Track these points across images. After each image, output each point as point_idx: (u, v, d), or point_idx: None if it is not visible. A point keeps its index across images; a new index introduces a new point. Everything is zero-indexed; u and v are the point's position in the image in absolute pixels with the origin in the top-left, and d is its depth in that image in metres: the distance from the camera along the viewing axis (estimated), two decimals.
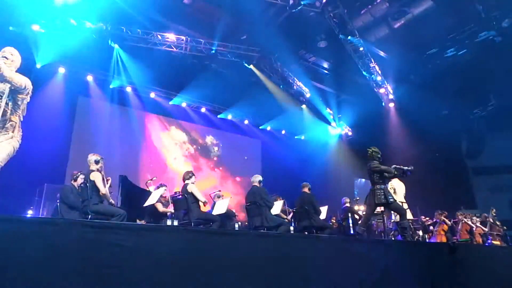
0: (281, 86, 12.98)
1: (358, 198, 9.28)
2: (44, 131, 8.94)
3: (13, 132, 3.19)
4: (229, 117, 13.82)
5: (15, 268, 2.01)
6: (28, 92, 3.30)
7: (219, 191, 7.85)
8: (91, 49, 9.84)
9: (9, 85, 3.12)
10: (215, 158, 13.52)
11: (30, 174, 8.08)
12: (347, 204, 8.66)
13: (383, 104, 14.02)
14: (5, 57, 3.18)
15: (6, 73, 3.08)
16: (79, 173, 5.82)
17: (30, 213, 7.92)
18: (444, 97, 12.99)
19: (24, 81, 3.24)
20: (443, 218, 9.30)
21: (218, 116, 13.67)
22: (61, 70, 10.16)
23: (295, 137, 15.90)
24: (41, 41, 9.20)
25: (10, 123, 3.17)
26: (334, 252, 3.71)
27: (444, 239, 8.91)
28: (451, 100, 13.11)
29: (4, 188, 6.93)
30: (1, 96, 3.10)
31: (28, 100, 3.35)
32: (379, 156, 5.74)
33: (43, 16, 8.93)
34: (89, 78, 10.74)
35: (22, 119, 3.30)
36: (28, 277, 2.03)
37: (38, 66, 9.45)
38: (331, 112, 15.04)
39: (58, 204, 5.86)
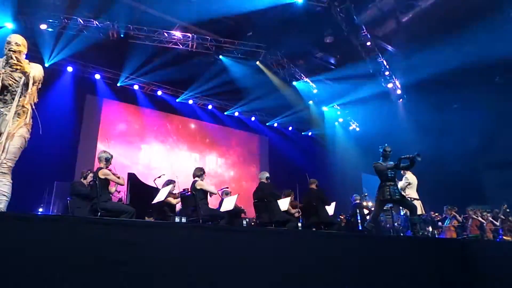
0: (288, 82, 12.93)
1: (366, 194, 9.23)
2: (53, 130, 9.02)
3: (25, 118, 3.13)
4: (236, 114, 13.82)
5: (27, 266, 2.03)
6: (41, 81, 3.30)
7: (227, 187, 7.85)
8: (98, 47, 9.92)
9: (23, 77, 3.11)
10: (222, 155, 13.54)
11: (40, 172, 8.18)
12: (357, 201, 8.63)
13: (392, 99, 13.90)
14: (12, 50, 3.13)
15: (31, 74, 3.13)
16: (89, 172, 5.90)
17: (40, 210, 8.03)
18: (455, 91, 12.82)
19: (41, 74, 3.26)
20: (453, 213, 9.21)
21: (225, 113, 13.68)
22: (69, 69, 10.25)
23: (302, 133, 15.86)
24: (49, 40, 9.30)
25: (23, 109, 3.13)
26: (341, 248, 3.70)
27: (454, 235, 8.83)
28: (462, 93, 12.93)
29: (14, 186, 7.02)
30: (18, 83, 3.09)
31: (40, 87, 3.32)
32: (384, 152, 5.70)
33: (51, 15, 9.01)
34: (97, 76, 10.83)
35: (33, 106, 3.24)
36: (40, 274, 2.06)
37: (46, 65, 9.55)
38: (338, 107, 14.96)
39: (69, 200, 5.94)
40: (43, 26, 9.03)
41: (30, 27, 8.96)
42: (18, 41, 3.21)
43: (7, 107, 3.08)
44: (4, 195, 2.95)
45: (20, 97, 3.12)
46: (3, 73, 3.06)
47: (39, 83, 3.29)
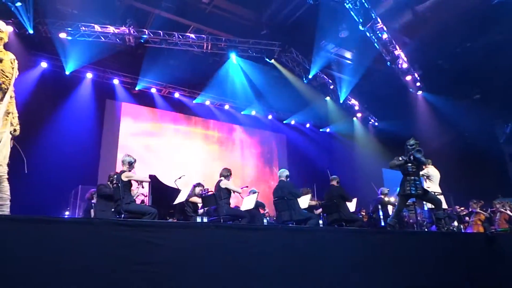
0: (304, 79, 12.84)
1: (388, 189, 9.03)
2: (76, 135, 9.31)
3: (10, 114, 2.90)
4: (253, 113, 13.83)
5: (55, 266, 2.10)
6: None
7: (247, 186, 7.84)
8: (116, 53, 10.14)
9: (16, 70, 2.95)
10: (240, 154, 13.58)
11: (66, 176, 8.43)
12: (382, 195, 8.44)
13: (411, 91, 13.58)
14: None
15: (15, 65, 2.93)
16: (115, 175, 6.03)
17: (67, 214, 8.27)
18: (476, 81, 12.42)
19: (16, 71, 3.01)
20: (479, 208, 8.94)
21: (242, 113, 13.71)
22: (89, 75, 10.51)
23: (320, 129, 15.72)
24: (69, 48, 9.56)
25: (6, 109, 2.87)
26: (364, 246, 3.64)
27: (481, 229, 8.57)
28: (484, 83, 12.51)
29: (41, 190, 7.26)
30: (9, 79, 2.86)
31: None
32: (407, 147, 5.55)
33: (69, 24, 9.25)
34: (115, 81, 11.06)
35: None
36: (67, 274, 2.12)
37: (67, 72, 9.83)
38: (356, 102, 14.75)
39: (94, 202, 6.10)
40: (62, 35, 9.28)
41: (50, 36, 9.22)
42: (2, 28, 2.97)
43: None
44: (9, 199, 2.89)
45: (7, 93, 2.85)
46: None
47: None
